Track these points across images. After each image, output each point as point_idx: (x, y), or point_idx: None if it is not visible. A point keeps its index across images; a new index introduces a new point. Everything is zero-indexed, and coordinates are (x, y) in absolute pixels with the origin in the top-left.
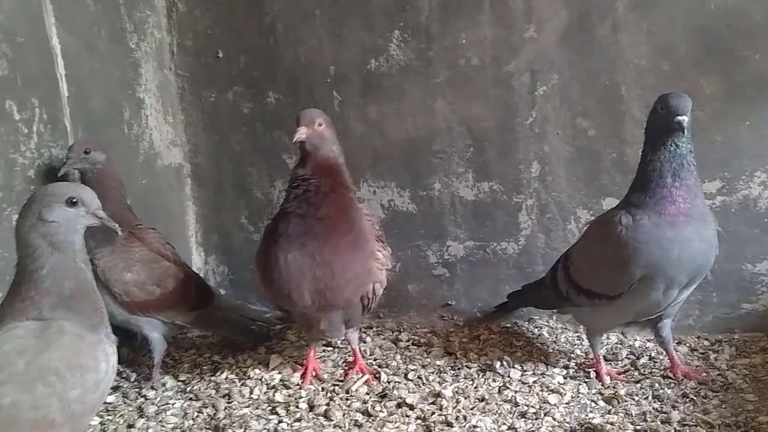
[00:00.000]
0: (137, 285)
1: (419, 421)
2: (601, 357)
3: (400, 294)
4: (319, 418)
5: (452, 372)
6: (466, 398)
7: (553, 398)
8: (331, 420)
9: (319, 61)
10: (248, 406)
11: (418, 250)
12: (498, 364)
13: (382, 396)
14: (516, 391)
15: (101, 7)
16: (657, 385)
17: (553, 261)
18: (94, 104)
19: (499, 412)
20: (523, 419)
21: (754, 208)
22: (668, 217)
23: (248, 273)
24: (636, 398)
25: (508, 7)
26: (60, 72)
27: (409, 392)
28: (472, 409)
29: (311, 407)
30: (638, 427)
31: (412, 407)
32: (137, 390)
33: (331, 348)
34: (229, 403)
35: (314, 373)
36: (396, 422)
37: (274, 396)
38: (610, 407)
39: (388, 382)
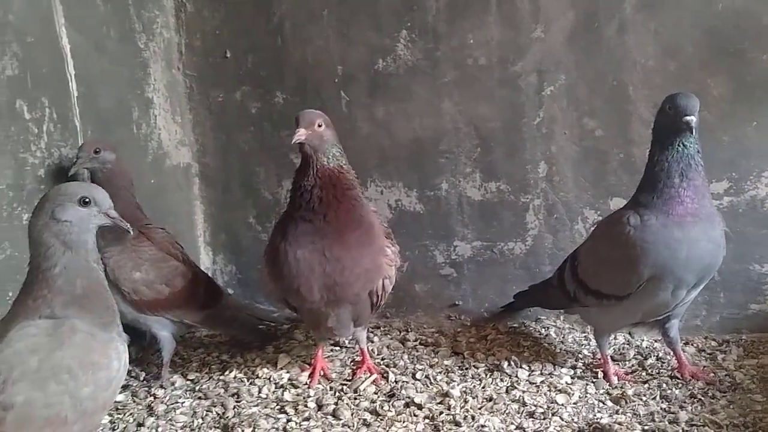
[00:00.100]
0: (146, 284)
1: (427, 421)
2: (608, 357)
3: (407, 294)
4: (328, 417)
5: (460, 372)
6: (474, 398)
7: (561, 398)
8: (340, 419)
9: (327, 60)
10: (257, 405)
11: (425, 250)
12: (506, 364)
13: (390, 395)
14: (524, 391)
15: (110, 7)
16: (665, 385)
17: (560, 261)
18: (104, 104)
19: (507, 411)
20: (531, 419)
21: (762, 209)
22: (676, 218)
23: (256, 272)
24: (644, 398)
25: (515, 7)
26: (70, 72)
27: (417, 392)
28: (480, 408)
29: (320, 406)
30: (646, 427)
31: (420, 407)
32: (146, 389)
33: (338, 347)
34: (238, 402)
35: (322, 373)
36: (404, 421)
37: (282, 395)
38: (618, 407)
39: (396, 382)
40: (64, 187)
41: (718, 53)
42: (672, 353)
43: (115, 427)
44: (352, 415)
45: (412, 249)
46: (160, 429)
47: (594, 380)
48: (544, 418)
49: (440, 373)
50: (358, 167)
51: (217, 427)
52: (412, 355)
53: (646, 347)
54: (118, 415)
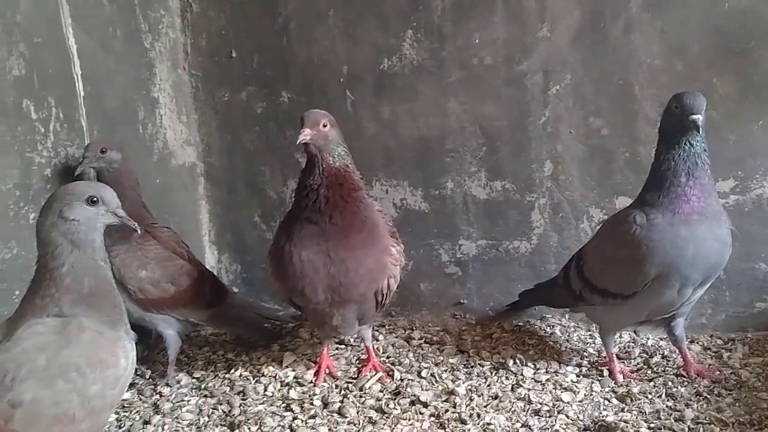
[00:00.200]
0: (152, 282)
1: (433, 419)
2: (614, 355)
3: (412, 292)
4: (334, 415)
5: (465, 370)
6: (479, 396)
7: (566, 396)
8: (346, 417)
9: (332, 60)
10: (263, 403)
11: (430, 249)
12: (511, 362)
13: (396, 393)
14: (529, 389)
15: (116, 7)
16: (670, 383)
17: (565, 260)
18: (110, 104)
19: (512, 409)
20: (537, 417)
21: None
22: (682, 216)
23: (261, 271)
24: (649, 396)
25: (521, 6)
26: (76, 72)
27: (422, 390)
28: (485, 406)
29: (325, 404)
30: (652, 425)
31: (425, 404)
32: (152, 387)
33: (343, 346)
34: (243, 400)
35: (328, 371)
36: (410, 419)
37: (288, 393)
38: (624, 405)
39: (402, 380)
40: (72, 186)
41: (724, 52)
42: (677, 351)
43: (122, 425)
44: (357, 412)
45: (417, 248)
46: (166, 427)
47: (599, 378)
48: (549, 416)
49: (445, 371)
50: (364, 166)
51: (224, 425)
52: (418, 354)
53: (652, 345)
54: (125, 413)
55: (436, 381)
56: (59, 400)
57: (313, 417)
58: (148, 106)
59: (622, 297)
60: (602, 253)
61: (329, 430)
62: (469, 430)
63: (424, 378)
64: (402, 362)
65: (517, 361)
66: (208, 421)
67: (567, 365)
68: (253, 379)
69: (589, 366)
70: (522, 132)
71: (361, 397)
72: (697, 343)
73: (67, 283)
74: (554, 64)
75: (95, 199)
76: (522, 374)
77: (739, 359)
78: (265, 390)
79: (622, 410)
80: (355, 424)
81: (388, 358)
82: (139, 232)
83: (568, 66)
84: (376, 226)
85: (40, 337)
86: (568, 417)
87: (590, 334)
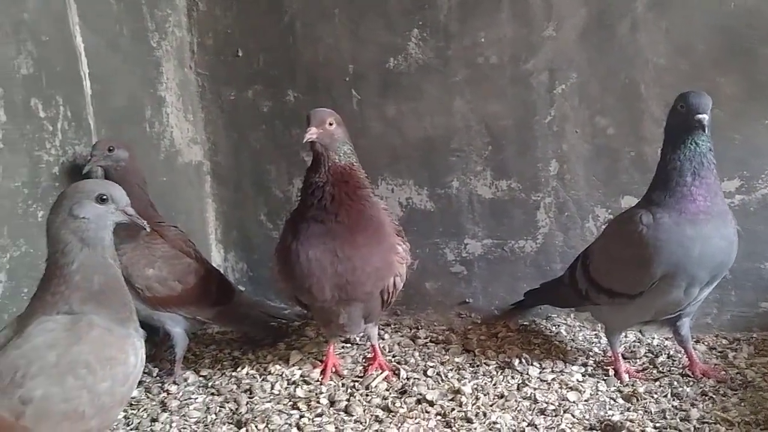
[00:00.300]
0: (159, 281)
1: (439, 417)
2: (619, 355)
3: (417, 291)
4: (340, 413)
5: (471, 369)
6: (485, 395)
7: (572, 395)
8: (352, 415)
9: (338, 59)
10: (270, 401)
11: (435, 248)
12: (516, 362)
13: (402, 392)
14: (535, 389)
15: (124, 6)
16: (676, 383)
17: (571, 259)
18: (117, 102)
19: (518, 408)
20: (543, 416)
21: None
22: (688, 215)
23: (267, 270)
24: (655, 396)
25: (527, 5)
26: (84, 70)
27: (428, 389)
28: (491, 405)
29: (332, 403)
30: (658, 425)
31: (431, 403)
32: (160, 385)
33: (350, 344)
34: (250, 398)
35: (334, 369)
36: (416, 418)
37: (295, 391)
38: (630, 405)
39: (408, 379)
40: (82, 184)
41: (729, 52)
42: (683, 351)
43: (129, 423)
44: (364, 411)
45: (422, 247)
46: (173, 424)
47: (605, 378)
48: (555, 416)
49: (451, 370)
50: (369, 165)
51: (231, 423)
52: (423, 353)
53: (657, 345)
54: (132, 411)
55: (442, 380)
56: (69, 397)
57: (319, 415)
58: (155, 105)
59: (628, 297)
60: (608, 253)
61: (336, 428)
62: (475, 428)
63: (430, 377)
64: (408, 361)
65: (523, 361)
66: (215, 419)
67: (573, 365)
68: (260, 377)
69: (594, 365)
70: (528, 131)
71: (367, 395)
72: (703, 342)
73: (77, 281)
74: (560, 63)
75: (105, 197)
76: (528, 373)
77: (745, 359)
78: (272, 388)
79: (628, 410)
80: (361, 423)
81: (393, 356)
82: (147, 230)
83: (574, 65)
84: (382, 225)
85: (50, 334)
86: (573, 416)
87: (596, 334)
